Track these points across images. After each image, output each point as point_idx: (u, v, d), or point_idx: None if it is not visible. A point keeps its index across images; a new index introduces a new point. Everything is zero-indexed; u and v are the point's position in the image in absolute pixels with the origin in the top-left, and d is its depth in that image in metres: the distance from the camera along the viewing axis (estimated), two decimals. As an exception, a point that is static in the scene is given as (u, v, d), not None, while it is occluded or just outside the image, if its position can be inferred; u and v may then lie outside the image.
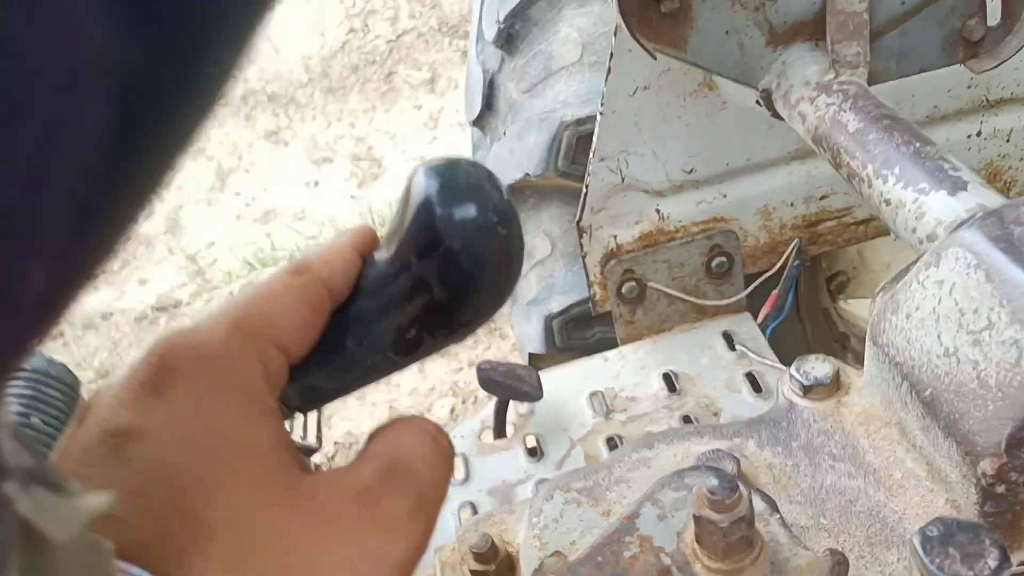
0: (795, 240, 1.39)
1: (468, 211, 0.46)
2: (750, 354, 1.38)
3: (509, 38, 1.50)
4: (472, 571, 0.78)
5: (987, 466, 0.60)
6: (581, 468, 0.78)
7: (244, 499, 0.35)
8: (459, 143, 3.56)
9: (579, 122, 1.40)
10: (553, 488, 0.76)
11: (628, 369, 1.42)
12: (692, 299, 1.41)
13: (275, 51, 4.03)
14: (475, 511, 1.26)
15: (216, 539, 0.34)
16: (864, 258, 1.99)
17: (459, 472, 1.32)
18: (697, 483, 0.64)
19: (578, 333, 1.61)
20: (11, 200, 0.19)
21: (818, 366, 0.79)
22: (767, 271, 1.41)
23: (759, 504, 0.64)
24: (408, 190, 0.49)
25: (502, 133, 1.57)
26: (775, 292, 1.41)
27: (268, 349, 0.41)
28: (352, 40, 4.08)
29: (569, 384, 1.40)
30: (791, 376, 0.80)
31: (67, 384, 0.80)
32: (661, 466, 0.76)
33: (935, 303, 0.67)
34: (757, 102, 1.04)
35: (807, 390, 0.78)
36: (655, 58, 0.97)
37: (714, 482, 0.59)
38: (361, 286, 0.49)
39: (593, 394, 1.38)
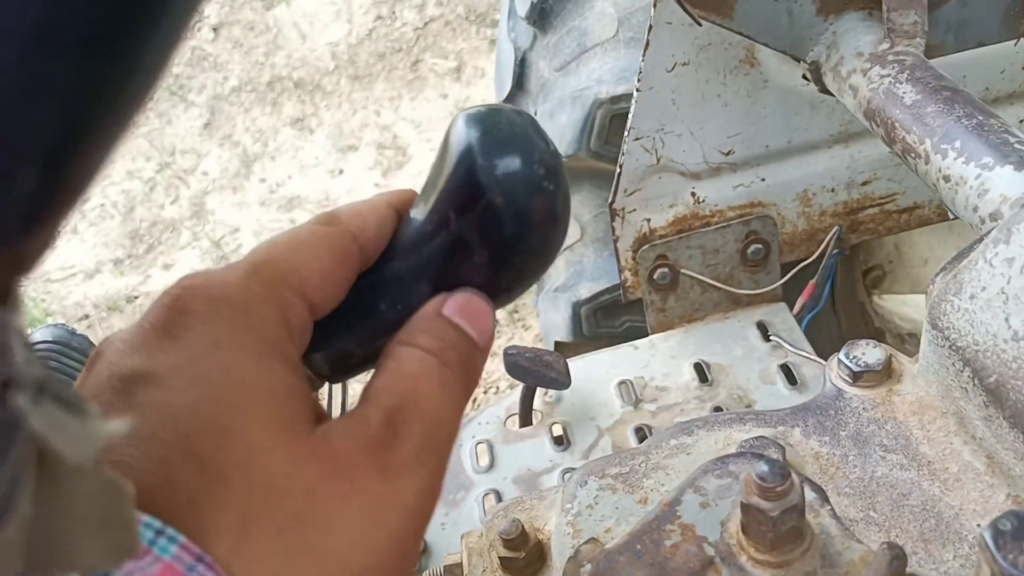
0: (835, 228, 1.34)
1: (512, 163, 0.42)
2: (785, 345, 1.33)
3: (542, 14, 1.46)
4: (502, 558, 0.74)
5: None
6: (616, 453, 0.74)
7: (257, 445, 0.33)
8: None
9: (613, 100, 1.35)
10: (587, 473, 0.72)
11: (659, 358, 1.37)
12: (726, 287, 1.36)
13: (302, 38, 4.01)
14: (500, 499, 1.22)
15: (227, 484, 0.32)
16: (901, 252, 1.93)
17: (483, 459, 1.28)
18: (743, 470, 0.60)
19: (606, 321, 1.57)
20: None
21: (869, 352, 0.74)
22: (805, 259, 1.36)
23: (809, 494, 0.59)
24: (447, 139, 0.45)
25: (533, 112, 1.53)
26: (812, 282, 1.36)
27: (289, 296, 0.38)
28: (379, 27, 4.05)
29: (598, 372, 1.36)
30: (840, 362, 0.75)
31: (88, 355, 0.77)
32: (701, 453, 0.71)
33: (1004, 283, 0.62)
34: (804, 76, 0.99)
35: (857, 377, 0.74)
36: (700, 24, 0.92)
37: (764, 468, 0.55)
38: (396, 245, 0.45)
39: (622, 383, 1.33)
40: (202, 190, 3.54)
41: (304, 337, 0.40)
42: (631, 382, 1.33)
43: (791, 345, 1.32)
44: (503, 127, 0.43)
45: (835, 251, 1.35)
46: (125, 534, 0.26)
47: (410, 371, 0.39)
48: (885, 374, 0.73)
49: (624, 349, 1.39)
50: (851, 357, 0.74)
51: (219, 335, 0.35)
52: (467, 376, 0.40)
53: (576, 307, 1.52)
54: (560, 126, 1.41)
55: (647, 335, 1.42)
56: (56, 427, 0.22)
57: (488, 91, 3.69)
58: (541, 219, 0.42)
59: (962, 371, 0.65)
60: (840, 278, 1.60)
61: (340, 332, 0.44)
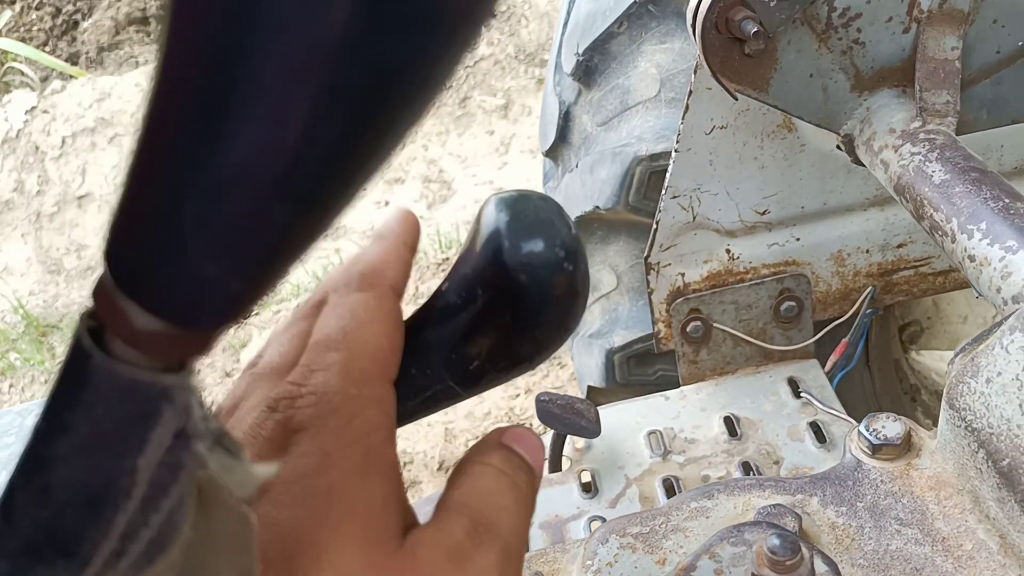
0: (869, 288, 1.35)
1: (536, 245, 0.46)
2: (815, 403, 1.34)
3: (587, 71, 1.50)
4: (520, 610, 0.77)
5: (1068, 545, 0.57)
6: (638, 513, 0.77)
7: (350, 563, 0.36)
8: (529, 170, 3.57)
9: (652, 158, 1.39)
10: (608, 532, 0.75)
11: (689, 410, 1.39)
12: (758, 343, 1.38)
13: (355, 71, 4.11)
14: (526, 545, 1.25)
15: None
16: (940, 308, 1.93)
17: (511, 503, 1.31)
18: (757, 539, 0.62)
19: (639, 369, 1.59)
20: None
21: (889, 425, 0.76)
22: (838, 318, 1.38)
23: (820, 566, 0.62)
24: (478, 221, 0.49)
25: (574, 165, 1.57)
26: (845, 340, 1.38)
27: (381, 389, 0.42)
28: (430, 63, 4.14)
29: (628, 421, 1.38)
30: (860, 434, 0.77)
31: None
32: (720, 517, 0.74)
33: (1019, 369, 0.64)
34: (838, 146, 1.02)
35: (876, 449, 0.76)
36: (736, 99, 0.96)
37: (775, 541, 0.57)
38: (428, 314, 0.49)
39: (651, 433, 1.36)
40: (251, 217, 3.63)
41: (394, 419, 0.43)
42: (661, 432, 1.35)
43: (821, 403, 1.33)
44: (530, 212, 0.47)
45: (869, 311, 1.37)
46: (250, 560, 0.30)
47: (487, 487, 0.42)
48: (904, 447, 0.75)
49: (655, 399, 1.41)
50: (871, 430, 0.76)
51: (328, 450, 0.38)
52: (533, 497, 0.44)
53: (610, 354, 1.54)
54: (600, 180, 1.45)
55: (679, 384, 1.44)
56: (226, 469, 0.27)
57: (534, 128, 3.75)
58: (561, 295, 0.46)
59: (977, 452, 0.67)
60: (875, 335, 1.61)
61: None
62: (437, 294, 0.50)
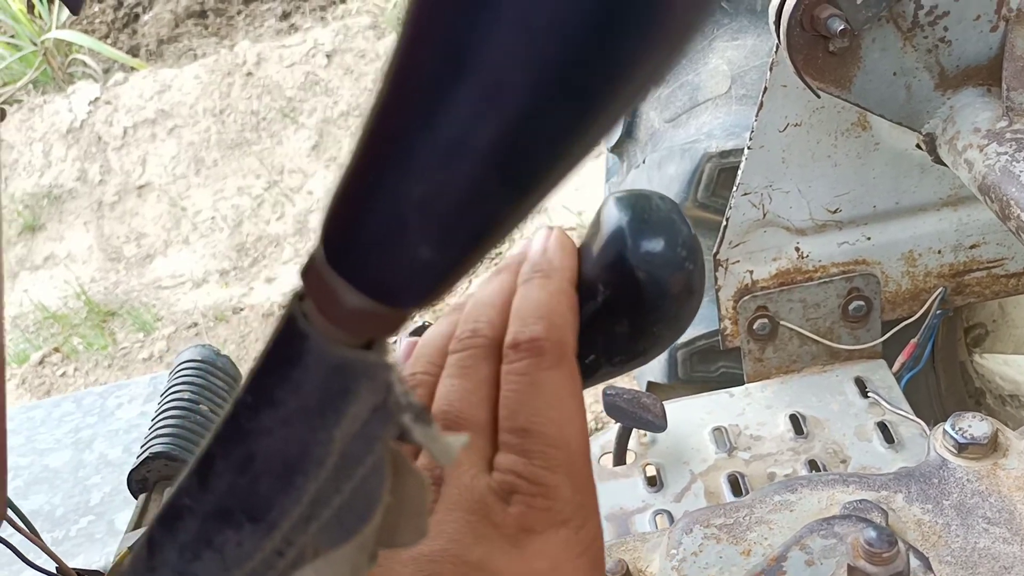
0: (940, 289, 1.34)
1: (658, 245, 0.47)
2: (883, 403, 1.34)
3: (655, 67, 1.51)
4: (603, 597, 0.78)
5: None
6: (721, 504, 0.78)
7: None
8: (591, 166, 3.57)
9: (723, 154, 1.39)
10: (692, 522, 0.76)
11: (754, 407, 1.39)
12: (826, 342, 1.38)
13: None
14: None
15: None
16: (1006, 312, 1.90)
17: (576, 495, 1.32)
18: (849, 532, 0.63)
19: (702, 366, 1.60)
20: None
21: (976, 424, 0.76)
22: (907, 318, 1.37)
23: (913, 561, 0.62)
24: (598, 220, 0.50)
25: (640, 160, 1.58)
26: (914, 341, 1.37)
27: (596, 499, 0.43)
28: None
29: (692, 417, 1.39)
30: (945, 432, 0.77)
31: (231, 376, 0.85)
32: (804, 511, 0.75)
33: (1117, 370, 0.64)
34: (918, 145, 1.02)
35: (962, 448, 0.76)
36: (819, 96, 0.96)
37: (872, 534, 0.58)
38: None
39: (717, 429, 1.36)
40: (307, 208, 3.69)
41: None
42: (726, 429, 1.36)
43: (889, 403, 1.33)
44: (651, 212, 0.49)
45: (938, 312, 1.36)
46: (424, 521, 0.32)
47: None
48: (991, 447, 0.75)
49: (720, 396, 1.41)
50: (957, 429, 0.76)
51: (559, 560, 0.39)
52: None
53: (673, 350, 1.55)
54: (668, 176, 1.45)
55: (741, 382, 1.44)
56: (430, 439, 0.28)
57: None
58: (679, 293, 0.47)
59: (1070, 452, 0.67)
60: (941, 337, 1.60)
61: None
62: None
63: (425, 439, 0.28)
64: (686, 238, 0.48)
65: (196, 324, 3.19)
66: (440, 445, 0.28)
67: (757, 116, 1.18)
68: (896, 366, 1.37)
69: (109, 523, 1.26)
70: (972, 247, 1.32)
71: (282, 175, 3.83)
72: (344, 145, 3.88)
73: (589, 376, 0.50)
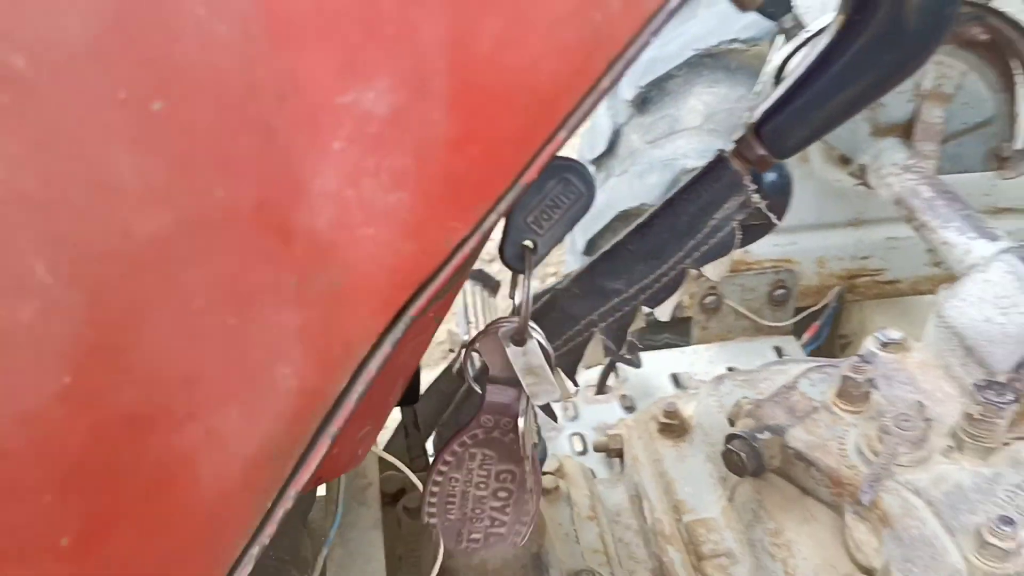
0: (838, 287, 1.85)
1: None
2: (791, 367, 1.83)
3: (644, 100, 1.97)
4: (661, 423, 1.20)
5: (1003, 379, 1.05)
6: (741, 370, 1.21)
7: None
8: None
9: (695, 170, 1.86)
10: (723, 377, 1.19)
11: (700, 361, 1.85)
12: (755, 318, 1.86)
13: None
14: (583, 440, 1.68)
15: None
16: (865, 328, 2.45)
17: (570, 412, 1.73)
18: (838, 367, 1.08)
19: (650, 336, 2.05)
20: None
21: (892, 333, 1.24)
22: (813, 307, 1.87)
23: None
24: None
25: (619, 172, 2.03)
26: (816, 324, 1.87)
27: None
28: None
29: (655, 366, 1.84)
30: (875, 337, 1.24)
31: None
32: (791, 372, 1.19)
33: (981, 292, 1.12)
34: (852, 174, 1.51)
35: (885, 345, 1.23)
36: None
37: (856, 360, 1.03)
38: None
39: (673, 374, 1.81)
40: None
41: None
42: (679, 374, 1.81)
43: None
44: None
45: (835, 303, 1.86)
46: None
47: None
48: (903, 346, 1.23)
49: (674, 352, 1.87)
50: (883, 335, 1.23)
51: None
52: None
53: (633, 320, 1.99)
54: (649, 184, 1.90)
55: (687, 346, 1.90)
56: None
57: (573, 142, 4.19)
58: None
59: (951, 339, 1.15)
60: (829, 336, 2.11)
61: None
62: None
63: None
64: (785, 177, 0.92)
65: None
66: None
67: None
68: (803, 341, 1.87)
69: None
70: (864, 258, 1.84)
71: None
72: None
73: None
